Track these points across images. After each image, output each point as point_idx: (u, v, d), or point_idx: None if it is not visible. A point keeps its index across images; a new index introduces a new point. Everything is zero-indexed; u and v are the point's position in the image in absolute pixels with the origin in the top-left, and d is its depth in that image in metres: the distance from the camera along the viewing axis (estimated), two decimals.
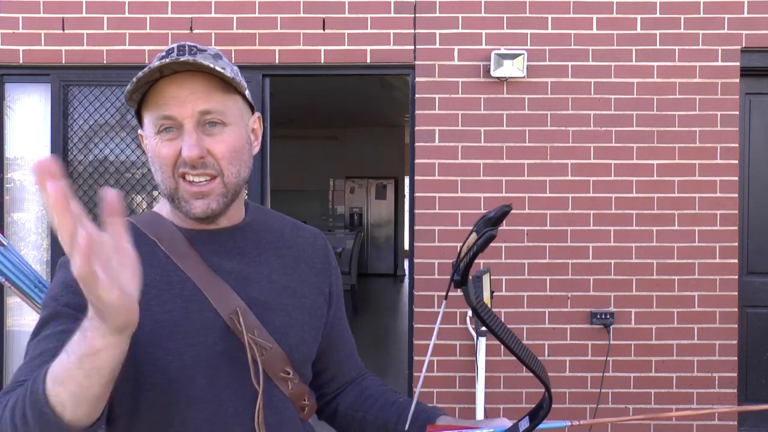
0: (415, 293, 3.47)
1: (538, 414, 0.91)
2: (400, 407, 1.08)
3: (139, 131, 1.01)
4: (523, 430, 0.92)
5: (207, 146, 0.93)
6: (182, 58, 0.88)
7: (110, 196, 0.63)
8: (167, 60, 0.88)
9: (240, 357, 0.94)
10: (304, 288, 1.05)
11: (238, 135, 0.96)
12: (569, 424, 0.94)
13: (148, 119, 0.95)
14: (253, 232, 1.04)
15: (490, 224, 0.76)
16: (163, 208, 1.03)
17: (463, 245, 0.78)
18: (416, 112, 3.49)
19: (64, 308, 0.88)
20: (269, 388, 0.97)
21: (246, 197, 1.10)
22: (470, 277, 0.82)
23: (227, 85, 0.95)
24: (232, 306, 0.94)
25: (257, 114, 1.05)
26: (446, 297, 0.82)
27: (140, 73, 0.89)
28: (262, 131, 1.07)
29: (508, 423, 0.96)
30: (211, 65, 0.90)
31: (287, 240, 1.08)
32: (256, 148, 1.04)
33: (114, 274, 0.63)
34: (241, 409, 0.94)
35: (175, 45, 0.94)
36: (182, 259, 0.96)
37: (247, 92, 1.00)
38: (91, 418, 0.74)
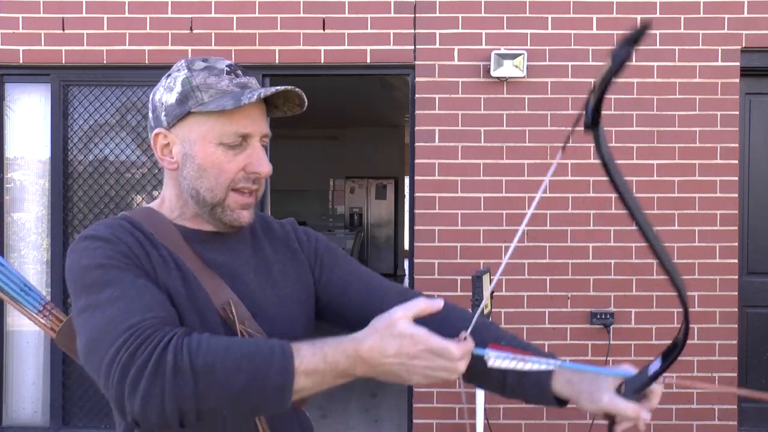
0: None
1: (672, 353, 0.87)
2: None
3: (160, 130, 1.02)
4: (652, 373, 0.88)
5: None
6: (290, 88, 0.99)
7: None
8: (281, 87, 0.98)
9: None
10: (287, 278, 1.10)
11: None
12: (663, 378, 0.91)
13: (210, 127, 0.98)
14: (242, 229, 1.10)
15: (625, 46, 0.66)
16: (163, 205, 1.07)
17: (596, 80, 0.69)
18: (416, 112, 3.49)
19: (126, 264, 0.92)
20: None
21: None
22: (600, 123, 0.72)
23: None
24: (225, 297, 0.99)
25: None
26: (563, 148, 0.80)
27: (261, 93, 0.96)
28: None
29: (632, 370, 0.93)
30: (302, 96, 1.04)
31: (267, 234, 1.15)
32: None
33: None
34: None
35: (224, 63, 1.02)
36: (180, 253, 1.00)
37: None
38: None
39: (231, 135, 0.98)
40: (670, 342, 0.86)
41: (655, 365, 0.89)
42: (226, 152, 0.99)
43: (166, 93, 1.01)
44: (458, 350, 0.84)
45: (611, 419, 0.93)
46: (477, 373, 1.01)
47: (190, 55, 3.50)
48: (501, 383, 1.06)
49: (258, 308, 1.02)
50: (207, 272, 1.00)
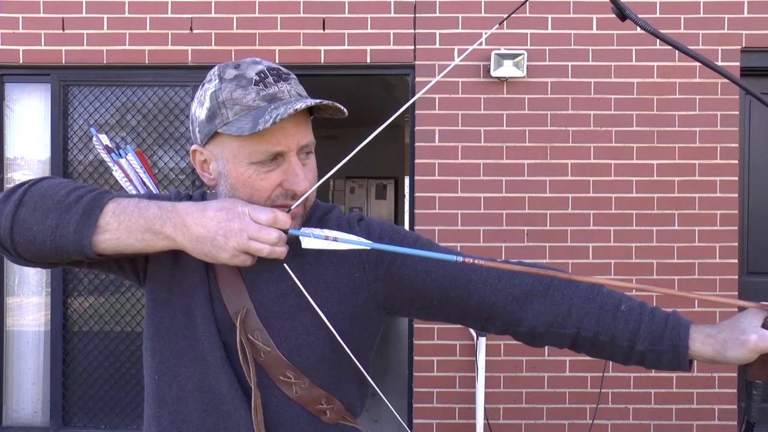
0: None
1: None
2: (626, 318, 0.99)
3: (196, 147, 0.99)
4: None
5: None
6: (314, 102, 0.91)
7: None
8: (301, 104, 0.89)
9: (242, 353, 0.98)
10: (320, 284, 1.01)
11: (314, 158, 1.01)
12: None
13: (242, 149, 0.93)
14: None
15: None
16: None
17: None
18: (416, 112, 3.49)
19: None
20: (269, 389, 0.98)
21: None
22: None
23: (309, 112, 0.98)
24: (239, 305, 0.98)
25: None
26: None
27: (277, 117, 0.88)
28: None
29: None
30: (333, 103, 0.94)
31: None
32: None
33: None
34: (238, 402, 0.97)
35: (259, 67, 0.95)
36: None
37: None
38: (95, 255, 0.91)
39: (261, 153, 0.92)
40: None
41: None
42: (259, 171, 0.93)
43: (198, 107, 0.97)
44: (269, 212, 0.87)
45: (763, 372, 0.86)
46: (600, 344, 0.97)
47: (189, 56, 3.50)
48: (627, 352, 0.97)
49: (273, 320, 0.98)
50: (233, 278, 0.99)
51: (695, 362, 0.94)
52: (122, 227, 0.89)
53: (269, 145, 0.92)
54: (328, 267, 1.02)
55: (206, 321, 0.98)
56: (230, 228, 0.86)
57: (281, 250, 0.89)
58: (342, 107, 0.96)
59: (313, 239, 0.89)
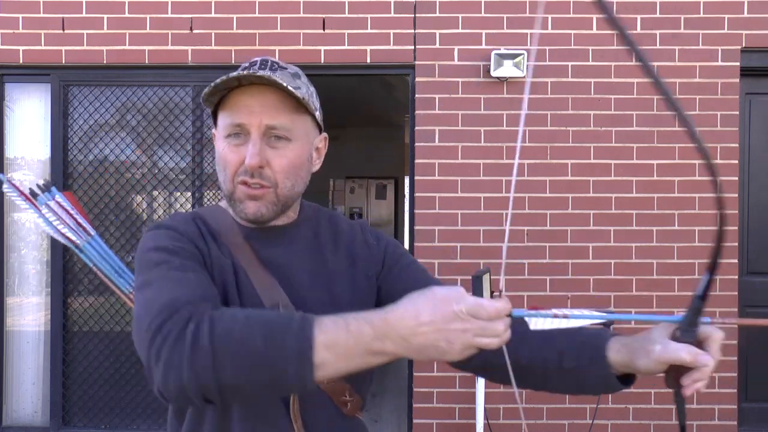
0: None
1: (714, 265, 0.82)
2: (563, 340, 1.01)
3: (213, 130, 1.07)
4: (699, 294, 0.84)
5: (268, 158, 0.99)
6: (260, 73, 0.95)
7: None
8: (245, 72, 0.95)
9: None
10: (344, 282, 1.07)
11: (299, 152, 1.02)
12: (709, 320, 0.88)
13: (221, 122, 1.02)
14: (303, 230, 1.10)
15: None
16: (227, 204, 1.11)
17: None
18: (416, 112, 3.49)
19: (183, 250, 0.96)
20: None
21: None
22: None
23: (299, 104, 1.00)
24: (275, 299, 0.99)
25: (324, 135, 1.12)
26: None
27: (219, 80, 0.95)
28: (325, 150, 1.13)
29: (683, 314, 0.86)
30: (285, 84, 0.95)
31: (336, 236, 1.13)
32: (317, 166, 1.12)
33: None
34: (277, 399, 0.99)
35: (259, 59, 1.01)
36: (237, 250, 1.02)
37: (317, 113, 1.05)
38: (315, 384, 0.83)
39: (229, 126, 0.99)
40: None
41: (700, 287, 0.82)
42: (230, 144, 1.00)
43: None
44: (490, 306, 0.78)
45: (677, 383, 0.86)
46: (523, 366, 0.97)
47: (189, 56, 3.50)
48: (545, 372, 0.99)
49: (308, 311, 0.98)
50: (261, 271, 1.01)
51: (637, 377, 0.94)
52: (340, 359, 0.80)
53: (233, 117, 0.98)
54: (346, 264, 1.09)
55: None
56: (451, 331, 0.78)
57: (508, 336, 0.83)
58: (292, 90, 0.96)
59: (541, 319, 0.85)
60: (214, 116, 1.05)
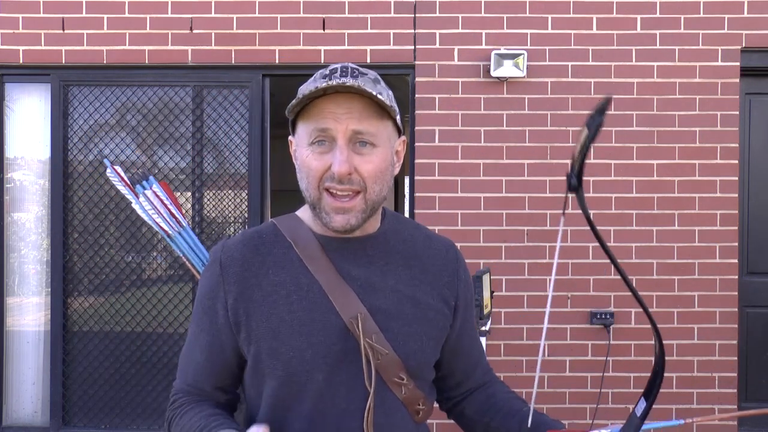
0: None
1: (652, 390, 0.85)
2: (523, 416, 1.10)
3: (290, 137, 1.08)
4: (640, 414, 0.87)
5: (355, 164, 0.98)
6: (347, 82, 0.94)
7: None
8: (332, 82, 0.94)
9: (356, 359, 1.00)
10: (429, 299, 1.08)
11: (383, 156, 1.02)
12: (683, 422, 0.90)
13: (303, 130, 1.01)
14: (385, 241, 1.09)
15: (597, 116, 0.72)
16: (304, 213, 1.10)
17: (576, 146, 0.75)
18: (416, 112, 3.49)
19: (211, 310, 1.06)
20: (382, 391, 1.02)
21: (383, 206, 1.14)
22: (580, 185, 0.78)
23: (381, 109, 1.00)
24: (354, 311, 1.01)
25: (403, 137, 1.11)
26: (564, 213, 0.80)
27: (306, 90, 0.96)
28: (404, 153, 1.12)
29: (619, 425, 0.91)
30: (372, 91, 0.95)
31: (417, 250, 1.13)
32: (397, 169, 1.12)
33: None
34: (352, 407, 1.01)
35: (339, 65, 1.00)
36: (313, 263, 1.03)
37: (398, 117, 1.05)
38: None
39: (312, 132, 0.98)
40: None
41: (641, 405, 0.86)
42: (314, 151, 0.99)
43: None
44: None
45: None
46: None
47: (189, 56, 3.50)
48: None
49: (390, 324, 1.03)
50: (339, 284, 1.02)
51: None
52: None
53: (318, 123, 0.97)
54: (431, 287, 1.12)
55: None
56: None
57: None
58: (378, 97, 0.96)
59: None
60: (293, 126, 1.05)
